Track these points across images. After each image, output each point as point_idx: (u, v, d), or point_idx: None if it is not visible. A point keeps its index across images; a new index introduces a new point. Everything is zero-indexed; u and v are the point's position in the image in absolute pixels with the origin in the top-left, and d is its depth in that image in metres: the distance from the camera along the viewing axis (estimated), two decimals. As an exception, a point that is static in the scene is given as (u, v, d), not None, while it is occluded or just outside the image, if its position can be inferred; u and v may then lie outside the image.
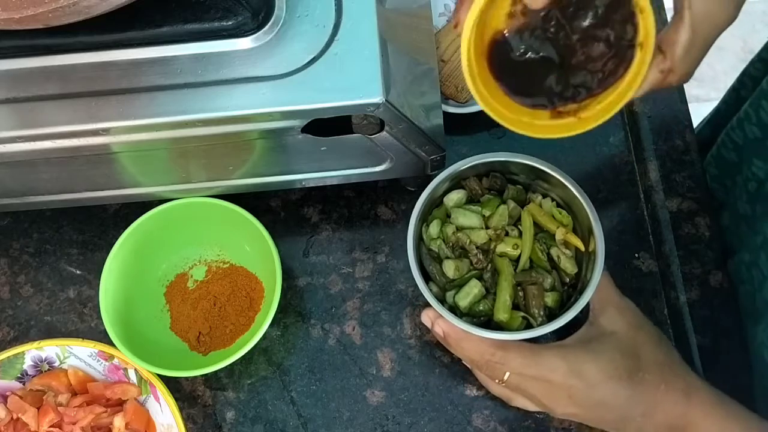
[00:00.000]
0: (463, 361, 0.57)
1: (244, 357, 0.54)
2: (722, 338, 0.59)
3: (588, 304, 0.52)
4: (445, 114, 0.58)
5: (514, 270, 0.53)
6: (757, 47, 0.74)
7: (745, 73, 0.75)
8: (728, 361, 0.58)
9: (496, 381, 0.52)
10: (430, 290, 0.52)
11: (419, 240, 0.55)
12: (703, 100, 0.91)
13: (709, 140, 0.81)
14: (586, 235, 0.53)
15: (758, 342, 0.56)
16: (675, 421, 0.48)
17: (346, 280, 0.62)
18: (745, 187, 0.63)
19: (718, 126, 0.81)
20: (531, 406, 0.54)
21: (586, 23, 0.39)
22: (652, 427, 0.49)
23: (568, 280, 0.54)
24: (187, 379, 0.59)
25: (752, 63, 0.73)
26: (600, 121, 0.43)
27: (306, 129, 0.49)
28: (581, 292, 0.51)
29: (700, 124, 0.88)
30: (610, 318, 0.52)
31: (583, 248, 0.53)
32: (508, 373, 0.50)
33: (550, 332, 0.49)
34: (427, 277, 0.54)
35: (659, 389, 0.48)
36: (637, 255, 0.62)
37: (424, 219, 0.55)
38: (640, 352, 0.50)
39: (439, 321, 0.52)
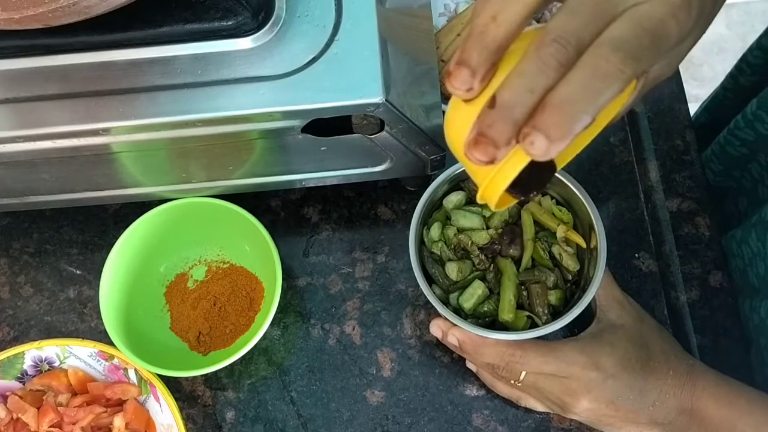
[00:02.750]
0: (468, 365, 0.57)
1: (244, 357, 0.54)
2: (722, 338, 0.59)
3: (593, 301, 0.52)
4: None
5: (517, 269, 0.53)
6: (757, 47, 0.75)
7: (743, 60, 0.76)
8: (728, 361, 0.58)
9: (512, 382, 0.52)
10: (434, 293, 0.52)
11: (420, 243, 0.55)
12: (703, 99, 0.91)
13: (707, 126, 0.82)
14: (586, 231, 0.53)
15: (761, 316, 0.58)
16: (683, 404, 0.49)
17: (346, 280, 0.62)
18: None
19: (715, 112, 0.82)
20: (540, 407, 0.54)
21: None
22: (662, 413, 0.49)
23: (570, 277, 0.54)
24: (187, 379, 0.59)
25: (750, 50, 0.74)
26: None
27: (306, 129, 0.49)
28: (584, 289, 0.51)
29: (696, 111, 0.89)
30: (617, 313, 0.53)
31: (584, 245, 0.54)
32: (524, 373, 0.50)
33: (555, 331, 0.50)
34: (429, 280, 0.54)
35: (668, 375, 0.50)
36: (637, 255, 0.62)
37: (425, 222, 0.55)
38: (648, 342, 0.51)
39: (453, 330, 0.52)
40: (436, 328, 0.54)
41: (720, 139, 0.74)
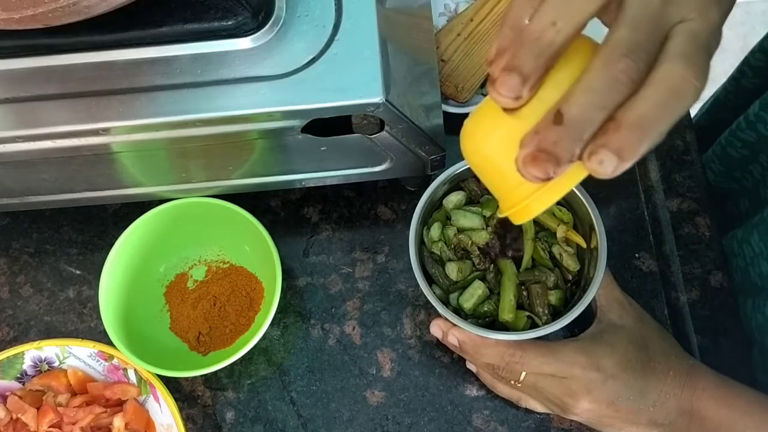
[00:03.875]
0: (468, 365, 0.57)
1: (244, 357, 0.54)
2: (722, 338, 0.59)
3: (593, 301, 0.52)
4: (445, 114, 0.58)
5: (517, 269, 0.53)
6: (758, 47, 0.75)
7: (745, 63, 0.76)
8: (728, 361, 0.58)
9: (512, 382, 0.52)
10: (434, 293, 0.52)
11: (420, 243, 0.55)
12: (703, 100, 0.91)
13: (707, 128, 0.82)
14: (586, 231, 0.53)
15: (765, 316, 0.58)
16: (683, 404, 0.49)
17: (346, 280, 0.62)
18: None
19: (717, 114, 0.82)
20: (540, 408, 0.54)
21: None
22: (663, 413, 0.49)
23: (570, 277, 0.54)
24: (187, 379, 0.59)
25: (752, 53, 0.74)
26: None
27: (306, 129, 0.49)
28: (585, 289, 0.51)
29: (698, 112, 0.89)
30: (617, 313, 0.52)
31: (584, 245, 0.54)
32: (524, 374, 0.50)
33: (555, 331, 0.50)
34: (429, 280, 0.53)
35: (668, 376, 0.50)
36: (637, 255, 0.62)
37: (425, 222, 0.55)
38: (648, 343, 0.51)
39: (453, 331, 0.52)
40: (436, 328, 0.54)
41: (721, 140, 0.74)
